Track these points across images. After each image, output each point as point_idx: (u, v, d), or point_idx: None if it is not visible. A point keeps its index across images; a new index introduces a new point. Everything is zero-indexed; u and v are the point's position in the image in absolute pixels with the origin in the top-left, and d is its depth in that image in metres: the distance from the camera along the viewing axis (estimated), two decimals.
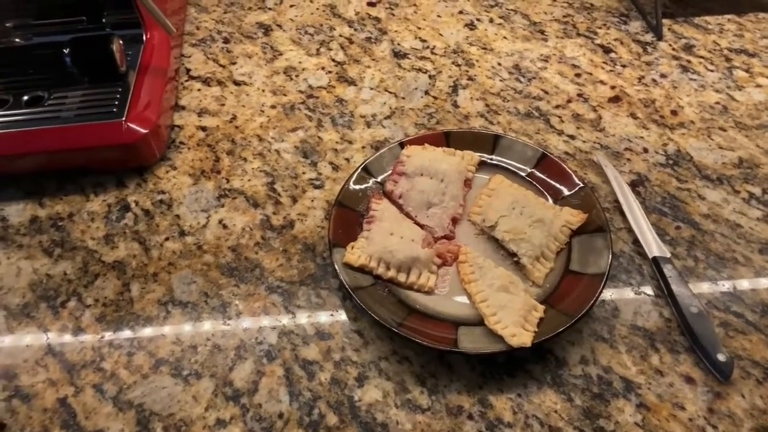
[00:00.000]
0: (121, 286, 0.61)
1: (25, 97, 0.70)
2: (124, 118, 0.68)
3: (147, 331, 0.58)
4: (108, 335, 0.58)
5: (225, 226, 0.66)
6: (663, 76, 0.83)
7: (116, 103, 0.69)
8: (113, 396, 0.54)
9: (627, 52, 0.87)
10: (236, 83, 0.82)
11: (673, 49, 0.87)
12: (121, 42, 0.72)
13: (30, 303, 0.60)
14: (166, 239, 0.65)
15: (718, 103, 0.79)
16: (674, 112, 0.78)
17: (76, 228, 0.66)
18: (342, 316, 0.59)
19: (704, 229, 0.66)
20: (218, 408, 0.53)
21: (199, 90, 0.81)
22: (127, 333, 0.58)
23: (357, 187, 0.66)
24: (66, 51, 0.70)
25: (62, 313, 0.60)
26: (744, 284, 0.61)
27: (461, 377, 0.55)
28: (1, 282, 0.62)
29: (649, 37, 0.89)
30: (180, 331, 0.58)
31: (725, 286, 0.61)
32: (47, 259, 0.64)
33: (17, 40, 0.76)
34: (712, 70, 0.83)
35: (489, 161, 0.69)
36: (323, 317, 0.59)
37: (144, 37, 0.77)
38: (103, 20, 0.77)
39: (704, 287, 0.61)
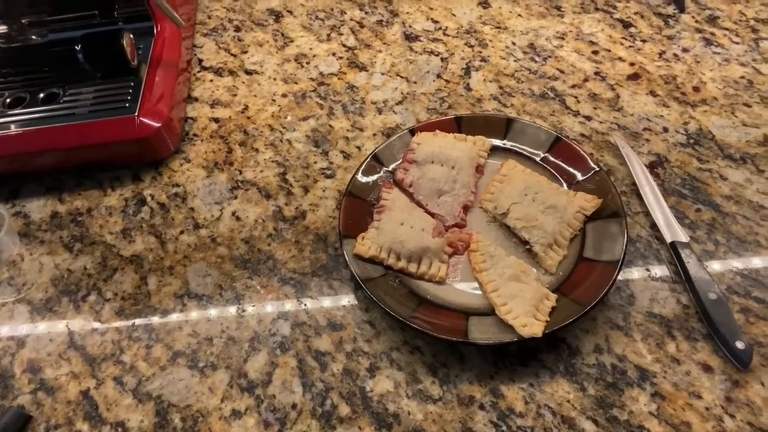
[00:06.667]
0: (139, 280, 0.63)
1: (41, 95, 0.72)
2: (136, 113, 0.68)
3: (164, 324, 0.59)
4: (127, 328, 0.59)
5: (238, 218, 0.67)
6: (685, 50, 0.80)
7: (129, 97, 0.70)
8: (133, 388, 0.56)
9: (647, 26, 0.83)
10: (248, 72, 0.82)
11: (696, 22, 0.83)
12: (131, 36, 0.73)
13: (52, 297, 0.62)
14: (181, 232, 0.66)
15: (743, 77, 0.76)
16: (696, 89, 0.75)
17: (94, 223, 0.68)
18: (354, 306, 0.59)
19: (726, 211, 0.63)
20: (233, 399, 0.54)
21: (211, 81, 0.82)
22: (145, 326, 0.59)
23: (367, 176, 0.65)
24: (78, 47, 0.71)
25: (83, 307, 0.61)
26: (767, 268, 0.59)
27: (473, 367, 0.55)
28: (24, 277, 0.64)
29: (670, 10, 0.85)
30: (196, 323, 0.59)
31: (746, 270, 0.59)
32: (68, 254, 0.65)
33: (33, 37, 0.77)
34: (737, 43, 0.80)
35: (502, 146, 0.68)
36: (335, 308, 0.59)
37: (155, 30, 0.78)
38: (115, 14, 0.77)
39: (724, 272, 0.59)
